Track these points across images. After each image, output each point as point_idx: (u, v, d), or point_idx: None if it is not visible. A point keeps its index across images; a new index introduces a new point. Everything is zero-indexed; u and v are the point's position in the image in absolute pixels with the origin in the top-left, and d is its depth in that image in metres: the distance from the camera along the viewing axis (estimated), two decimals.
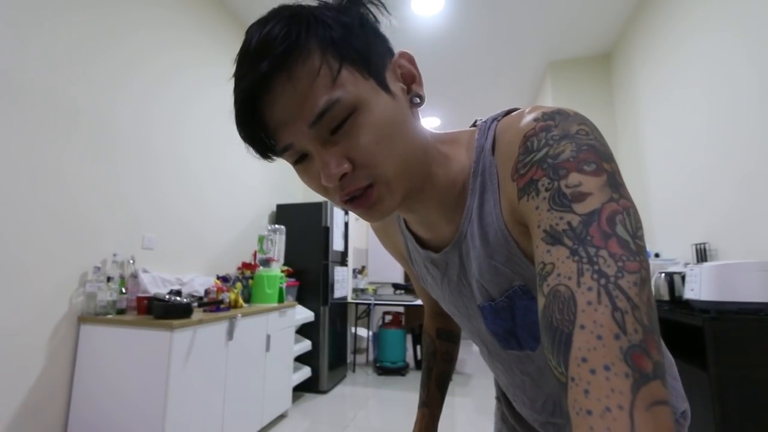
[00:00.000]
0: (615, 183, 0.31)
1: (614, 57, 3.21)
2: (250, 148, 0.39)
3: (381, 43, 0.40)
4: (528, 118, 0.38)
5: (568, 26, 2.98)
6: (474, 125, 0.48)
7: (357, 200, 0.39)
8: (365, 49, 0.37)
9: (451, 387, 3.33)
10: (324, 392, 3.11)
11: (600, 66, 3.32)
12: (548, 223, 0.31)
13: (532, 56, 3.40)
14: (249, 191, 3.05)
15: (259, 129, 0.36)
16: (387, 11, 0.41)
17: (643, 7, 2.64)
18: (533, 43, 3.21)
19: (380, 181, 0.38)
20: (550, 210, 0.31)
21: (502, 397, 0.71)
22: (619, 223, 0.29)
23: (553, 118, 0.36)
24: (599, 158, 0.32)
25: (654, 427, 0.22)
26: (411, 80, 0.41)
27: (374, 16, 0.40)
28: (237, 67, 0.36)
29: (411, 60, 0.42)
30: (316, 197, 3.93)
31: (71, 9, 1.73)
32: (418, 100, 0.41)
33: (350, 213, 3.90)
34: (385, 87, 0.38)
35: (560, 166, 0.32)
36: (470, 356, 4.56)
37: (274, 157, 0.40)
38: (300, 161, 0.39)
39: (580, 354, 0.25)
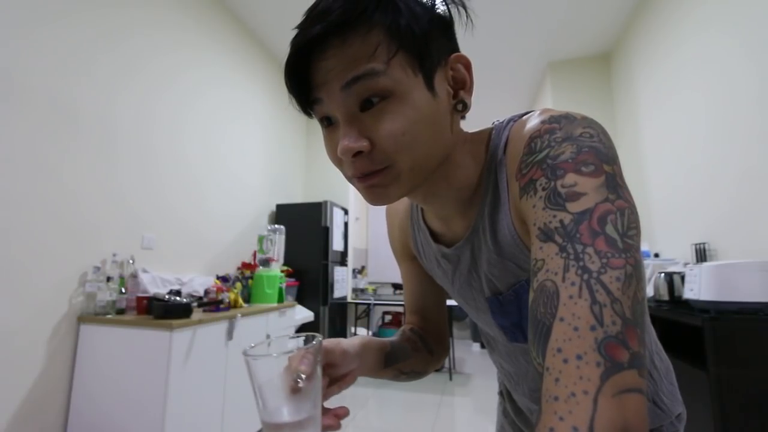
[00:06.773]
0: (614, 184, 0.31)
1: (614, 57, 3.21)
2: (293, 100, 0.40)
3: (444, 41, 0.40)
4: (536, 120, 0.39)
5: (567, 26, 2.98)
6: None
7: (368, 177, 0.39)
8: (425, 43, 0.37)
9: (451, 387, 3.33)
10: None
11: (600, 66, 3.32)
12: (542, 221, 0.32)
13: (531, 56, 3.40)
14: (249, 191, 3.05)
15: (303, 82, 0.38)
16: (467, 12, 0.41)
17: (643, 7, 2.65)
18: (533, 43, 3.21)
19: (392, 170, 0.38)
20: (545, 208, 0.32)
21: (505, 393, 0.72)
22: (610, 222, 0.29)
23: (558, 121, 0.37)
24: (599, 160, 0.32)
25: (619, 412, 0.22)
26: (461, 86, 0.41)
27: (449, 14, 0.40)
28: (302, 20, 0.37)
29: (468, 66, 0.41)
30: (316, 197, 3.94)
31: (72, 10, 1.73)
32: (461, 107, 0.41)
33: (350, 213, 3.90)
34: (430, 86, 0.38)
35: (558, 166, 0.33)
36: (470, 356, 4.55)
37: (313, 116, 0.41)
38: (328, 125, 0.40)
39: (556, 345, 0.26)
